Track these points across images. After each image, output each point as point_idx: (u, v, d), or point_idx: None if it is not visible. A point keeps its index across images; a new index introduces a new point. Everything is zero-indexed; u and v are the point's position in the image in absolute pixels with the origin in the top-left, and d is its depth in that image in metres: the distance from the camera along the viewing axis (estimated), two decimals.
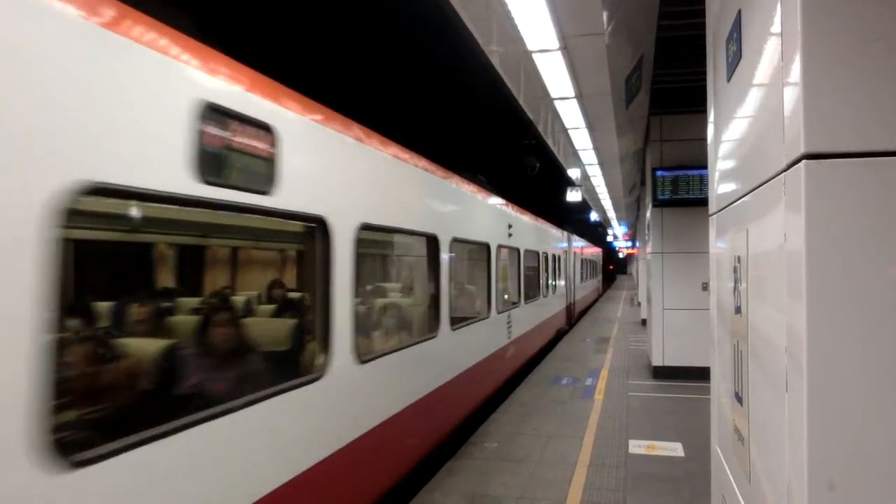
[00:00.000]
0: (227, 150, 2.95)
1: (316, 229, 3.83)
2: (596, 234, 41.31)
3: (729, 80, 2.41)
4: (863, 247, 1.41)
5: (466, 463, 6.08)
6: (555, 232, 15.61)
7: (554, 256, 15.14)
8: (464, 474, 5.77)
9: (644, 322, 16.68)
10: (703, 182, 9.82)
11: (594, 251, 31.93)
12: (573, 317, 19.59)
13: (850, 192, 1.42)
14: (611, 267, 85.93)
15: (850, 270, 1.41)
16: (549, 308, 14.19)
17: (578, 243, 22.22)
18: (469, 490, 5.38)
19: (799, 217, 1.46)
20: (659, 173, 10.11)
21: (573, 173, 15.21)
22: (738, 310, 2.25)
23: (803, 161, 1.44)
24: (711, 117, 2.97)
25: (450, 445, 6.64)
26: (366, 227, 4.36)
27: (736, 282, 2.28)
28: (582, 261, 23.14)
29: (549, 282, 14.33)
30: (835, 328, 1.41)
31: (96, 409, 3.00)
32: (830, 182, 1.43)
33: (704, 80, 3.16)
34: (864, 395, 1.40)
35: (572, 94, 7.53)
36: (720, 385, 2.78)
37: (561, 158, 12.88)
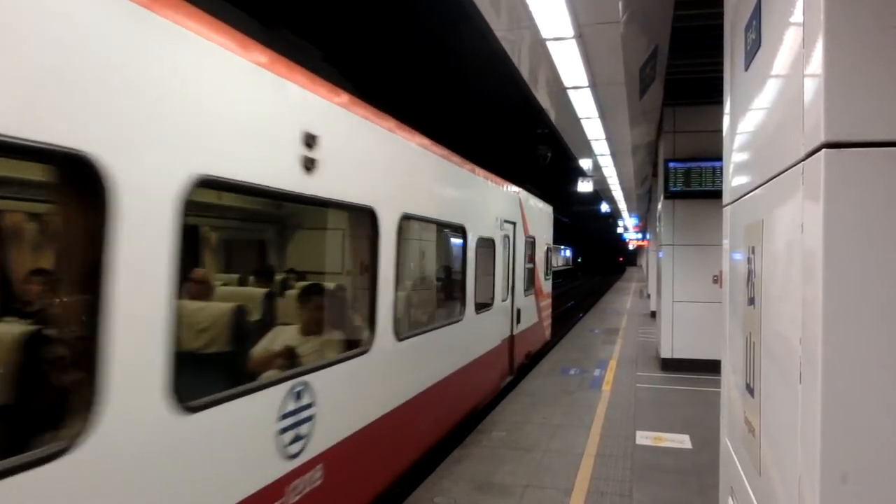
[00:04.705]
0: None
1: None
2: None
3: (747, 68, 2.38)
4: (883, 238, 1.39)
5: (474, 451, 6.11)
6: None
7: None
8: (471, 462, 5.80)
9: (653, 314, 16.62)
10: (715, 174, 9.75)
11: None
12: None
13: (870, 182, 1.39)
14: (620, 259, 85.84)
15: (868, 262, 1.39)
16: None
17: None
18: (477, 477, 5.41)
19: (817, 207, 1.43)
20: (671, 165, 10.06)
21: (584, 163, 15.04)
22: (751, 301, 2.23)
23: (823, 150, 1.41)
24: (727, 107, 2.93)
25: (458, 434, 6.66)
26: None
27: (750, 273, 2.26)
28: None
29: None
30: (852, 321, 1.39)
31: None
32: (850, 172, 1.40)
33: (719, 71, 3.12)
34: (880, 387, 1.38)
35: (586, 84, 7.46)
36: (731, 377, 2.77)
37: (572, 148, 12.81)
